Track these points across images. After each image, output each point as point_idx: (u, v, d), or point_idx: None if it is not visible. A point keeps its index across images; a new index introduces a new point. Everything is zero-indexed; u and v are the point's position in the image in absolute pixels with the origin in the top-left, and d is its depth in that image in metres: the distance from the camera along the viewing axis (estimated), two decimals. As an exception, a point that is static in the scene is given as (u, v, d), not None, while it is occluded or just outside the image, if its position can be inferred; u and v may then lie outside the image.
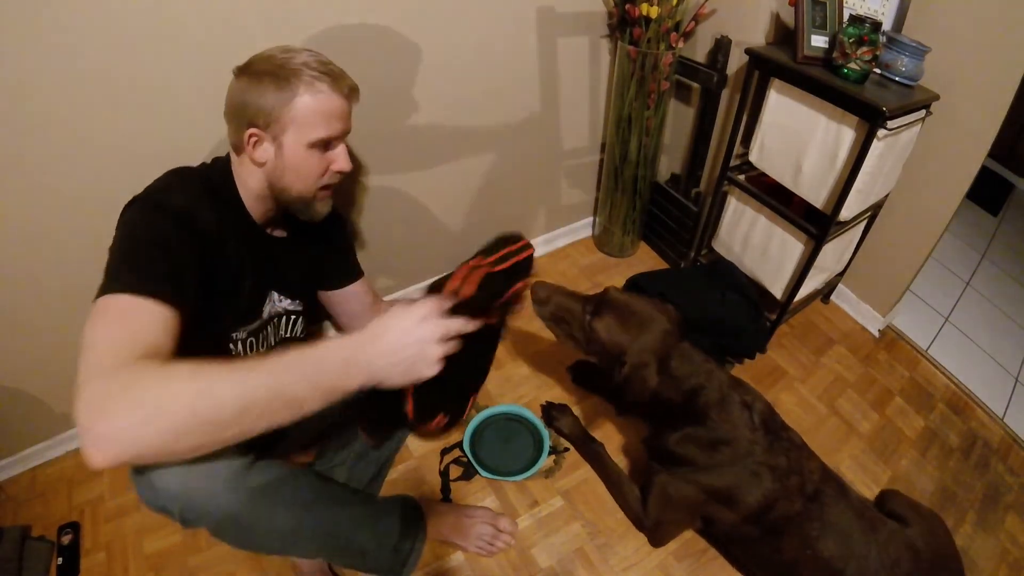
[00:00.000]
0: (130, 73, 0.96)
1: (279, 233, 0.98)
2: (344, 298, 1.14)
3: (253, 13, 1.01)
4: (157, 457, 0.57)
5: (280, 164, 0.84)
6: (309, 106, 0.80)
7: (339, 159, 0.88)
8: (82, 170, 1.01)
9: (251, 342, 0.95)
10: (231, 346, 0.91)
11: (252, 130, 0.81)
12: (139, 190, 0.79)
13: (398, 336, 0.66)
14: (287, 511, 0.75)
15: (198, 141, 1.05)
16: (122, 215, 0.76)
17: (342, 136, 0.87)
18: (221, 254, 0.82)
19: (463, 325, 0.70)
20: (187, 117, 1.04)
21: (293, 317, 1.04)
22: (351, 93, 0.86)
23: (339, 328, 1.30)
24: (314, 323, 1.16)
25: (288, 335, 1.05)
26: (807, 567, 0.97)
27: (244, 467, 0.69)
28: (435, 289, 0.76)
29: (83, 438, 0.52)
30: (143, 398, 0.54)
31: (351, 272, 1.14)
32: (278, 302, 0.99)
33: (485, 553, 1.13)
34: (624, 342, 1.02)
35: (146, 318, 0.64)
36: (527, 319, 1.66)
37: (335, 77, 0.82)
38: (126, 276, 0.66)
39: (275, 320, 1.00)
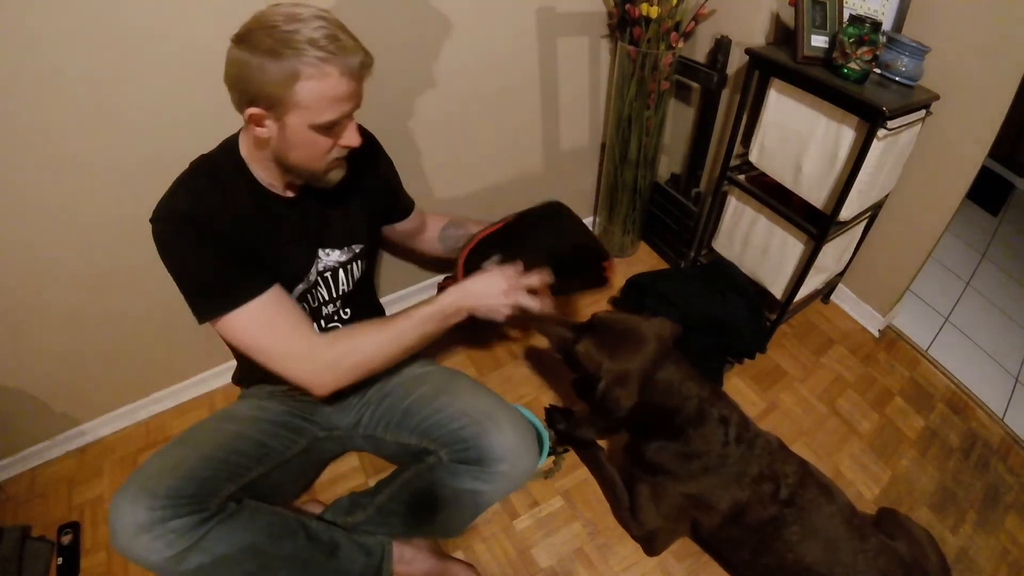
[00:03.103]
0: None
1: (291, 193, 0.94)
2: (399, 226, 1.23)
3: None
4: (361, 376, 0.91)
5: (284, 144, 0.82)
6: (314, 92, 0.75)
7: (347, 135, 0.84)
8: (80, 171, 1.01)
9: (306, 303, 1.00)
10: None
11: (252, 109, 0.78)
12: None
13: (488, 297, 0.96)
14: None
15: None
16: (155, 236, 0.82)
17: (351, 114, 0.83)
18: (244, 235, 0.86)
19: (531, 303, 0.98)
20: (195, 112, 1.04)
21: (349, 266, 1.05)
22: (362, 70, 0.79)
23: (396, 245, 1.44)
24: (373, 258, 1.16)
25: (349, 287, 1.07)
26: (791, 571, 0.97)
27: (182, 552, 0.77)
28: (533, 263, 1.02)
29: (312, 389, 0.88)
30: (350, 361, 0.89)
31: (403, 207, 1.21)
32: (327, 258, 1.00)
33: None
34: (599, 363, 1.01)
35: (276, 309, 0.87)
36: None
37: (345, 54, 0.76)
38: (226, 296, 0.84)
39: (327, 275, 1.02)
